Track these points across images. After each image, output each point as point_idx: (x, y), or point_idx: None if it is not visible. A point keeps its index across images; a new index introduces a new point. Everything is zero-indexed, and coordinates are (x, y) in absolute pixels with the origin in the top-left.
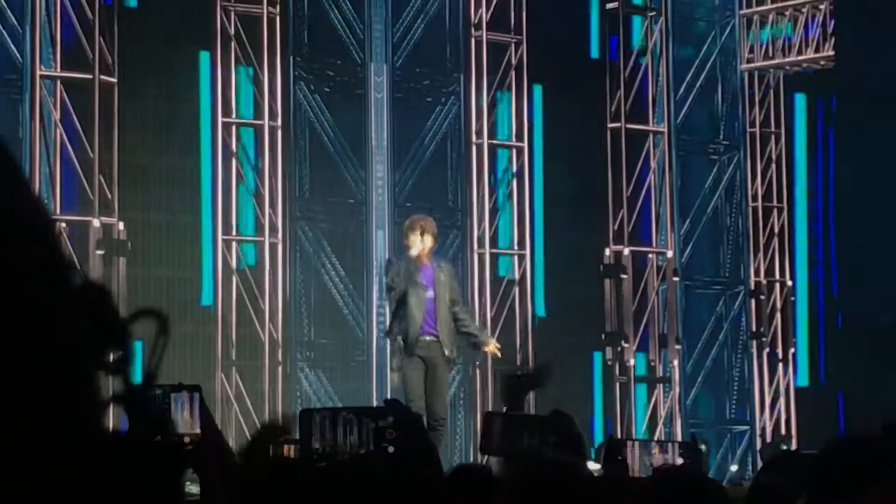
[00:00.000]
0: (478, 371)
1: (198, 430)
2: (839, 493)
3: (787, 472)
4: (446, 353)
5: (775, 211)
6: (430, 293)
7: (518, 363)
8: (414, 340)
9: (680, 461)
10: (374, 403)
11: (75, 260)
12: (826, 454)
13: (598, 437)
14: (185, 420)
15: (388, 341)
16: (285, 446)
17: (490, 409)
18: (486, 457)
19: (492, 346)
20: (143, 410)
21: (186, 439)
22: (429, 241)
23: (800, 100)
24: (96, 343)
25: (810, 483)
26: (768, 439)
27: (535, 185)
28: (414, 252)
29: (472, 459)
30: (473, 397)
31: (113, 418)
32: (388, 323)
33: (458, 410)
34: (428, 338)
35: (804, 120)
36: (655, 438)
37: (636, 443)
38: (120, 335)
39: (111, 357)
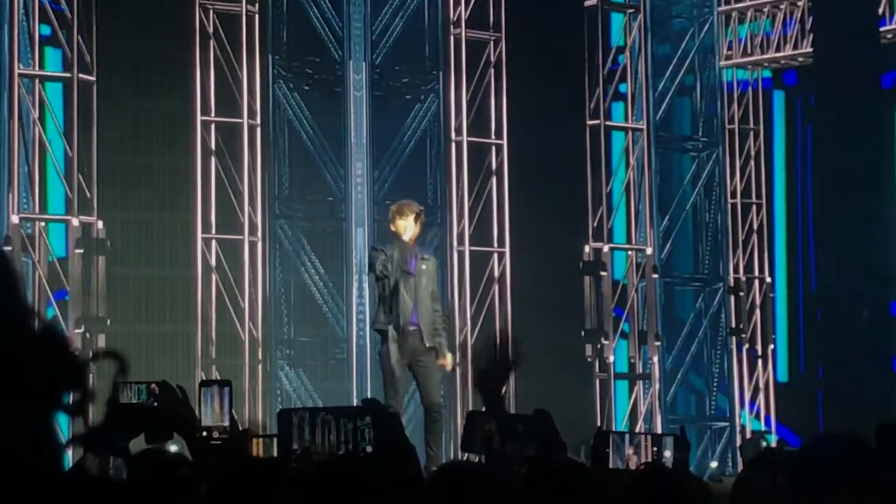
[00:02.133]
0: (458, 369)
1: (226, 423)
2: (821, 489)
3: (770, 468)
4: (427, 344)
5: (754, 207)
6: (415, 281)
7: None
8: (404, 330)
9: (668, 454)
10: (355, 401)
11: (35, 304)
12: (808, 450)
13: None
14: (215, 413)
15: (376, 331)
16: (259, 444)
17: (469, 404)
18: (467, 455)
19: (448, 361)
20: (104, 449)
21: (215, 433)
22: (418, 226)
23: (778, 96)
24: (55, 385)
25: (793, 479)
26: (748, 435)
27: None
28: (406, 237)
29: (453, 456)
30: (454, 395)
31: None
32: (375, 312)
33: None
34: (412, 327)
35: (783, 116)
36: (642, 431)
37: (623, 435)
38: (78, 376)
39: (71, 398)
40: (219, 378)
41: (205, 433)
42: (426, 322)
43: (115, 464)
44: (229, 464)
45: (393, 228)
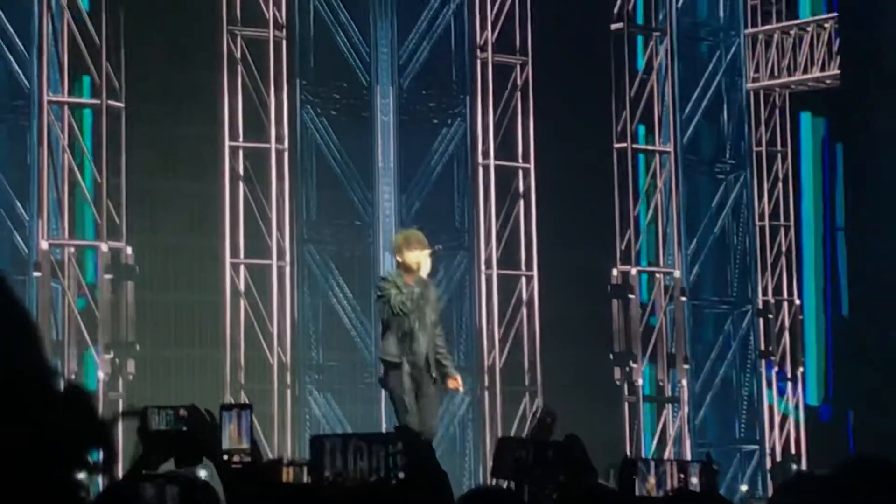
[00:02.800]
0: (486, 392)
1: (246, 446)
2: None
3: (802, 492)
4: (433, 374)
5: (782, 229)
6: (427, 316)
7: (525, 383)
8: (415, 363)
9: (695, 481)
10: (384, 425)
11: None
12: (839, 474)
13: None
14: (236, 437)
15: (386, 363)
16: (292, 471)
17: (498, 429)
18: (496, 480)
19: (453, 384)
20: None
21: (235, 457)
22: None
23: (805, 118)
24: (80, 444)
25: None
26: (778, 459)
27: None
28: (423, 273)
29: (481, 481)
30: (482, 418)
31: None
32: (385, 342)
33: (467, 431)
34: (422, 361)
35: (810, 138)
36: (669, 458)
37: (649, 462)
38: (101, 435)
39: (94, 457)
40: (243, 402)
41: (225, 457)
42: (431, 352)
43: (171, 492)
44: (260, 490)
45: (399, 259)
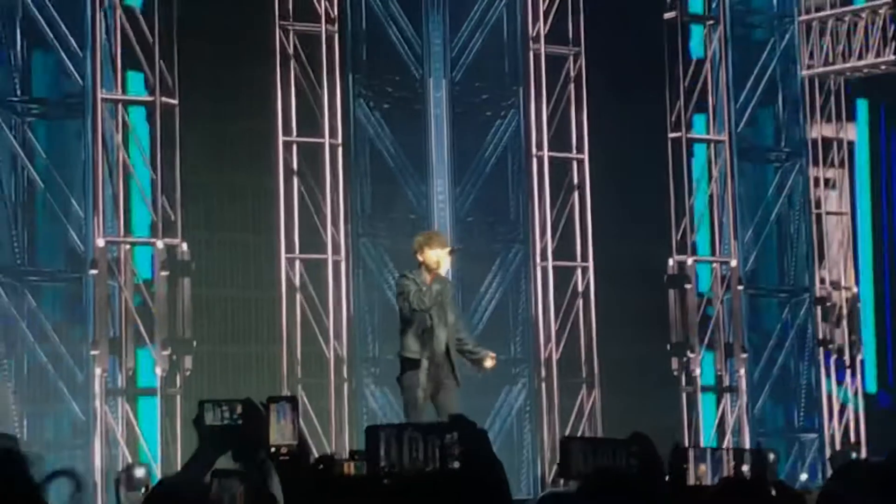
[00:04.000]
0: (543, 385)
1: (295, 442)
2: None
3: (855, 480)
4: (455, 372)
5: (839, 217)
6: (447, 312)
7: (583, 374)
8: (434, 360)
9: (746, 469)
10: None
11: None
12: (891, 462)
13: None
14: (283, 431)
15: (406, 359)
16: (349, 464)
17: (556, 421)
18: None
19: (490, 362)
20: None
21: (283, 450)
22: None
23: (861, 104)
24: None
25: (877, 490)
26: (837, 447)
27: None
28: (442, 271)
29: (539, 475)
30: (539, 411)
31: None
32: (404, 339)
33: (524, 424)
34: (442, 358)
35: (866, 124)
36: (721, 447)
37: (701, 451)
38: (34, 499)
39: None
40: (287, 394)
41: (273, 449)
42: (453, 350)
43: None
44: (314, 484)
45: (420, 258)
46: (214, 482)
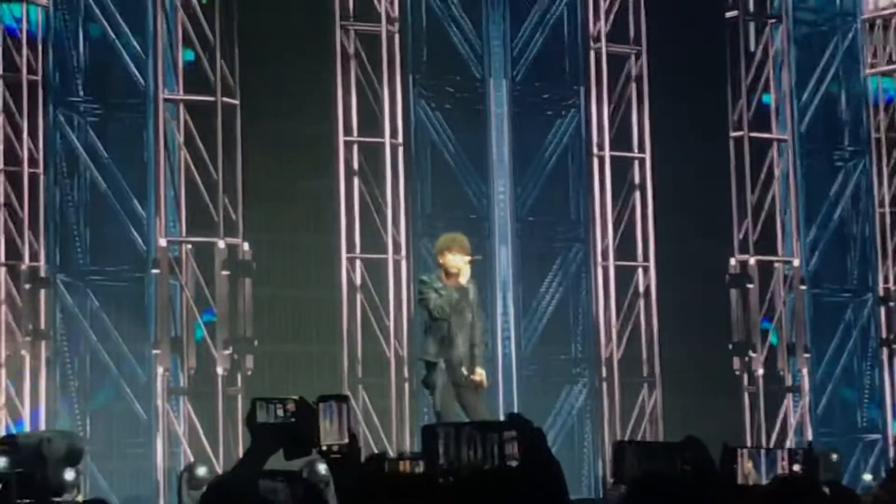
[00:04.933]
0: (604, 384)
1: (345, 440)
2: None
3: None
4: (467, 373)
5: None
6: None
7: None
8: (452, 364)
9: (797, 468)
10: (501, 415)
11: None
12: None
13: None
14: (333, 430)
15: (426, 363)
16: (407, 463)
17: (616, 421)
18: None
19: (479, 377)
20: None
21: (334, 448)
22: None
23: None
24: None
25: None
26: None
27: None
28: (463, 280)
29: (600, 473)
30: (600, 410)
31: None
32: (425, 343)
33: (585, 423)
34: (458, 361)
35: None
36: (770, 447)
37: (751, 451)
38: None
39: None
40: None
41: (324, 448)
42: (467, 353)
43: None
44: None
45: (441, 261)
46: (261, 483)
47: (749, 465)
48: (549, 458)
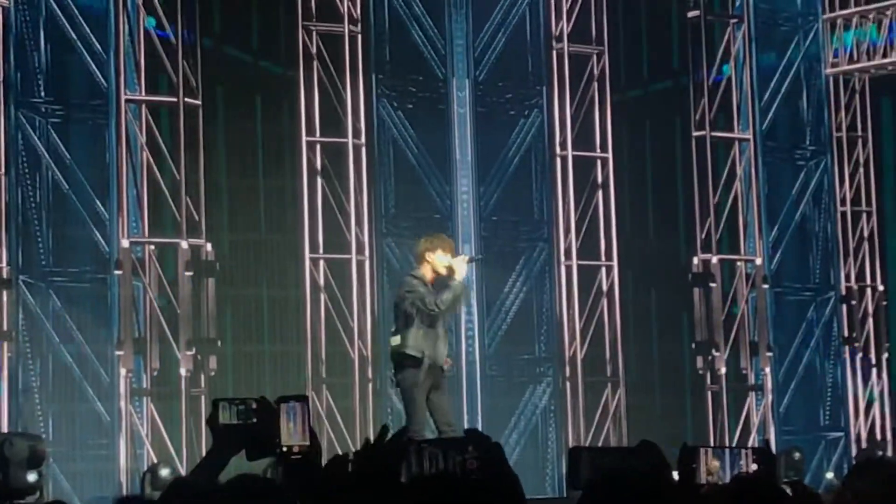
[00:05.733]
0: (568, 384)
1: (306, 441)
2: None
3: (874, 477)
4: (444, 368)
5: (864, 215)
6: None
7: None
8: (436, 361)
9: (754, 468)
10: (465, 417)
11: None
12: None
13: None
14: (293, 431)
15: (408, 356)
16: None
17: (580, 420)
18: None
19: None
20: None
21: (295, 449)
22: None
23: (886, 103)
24: None
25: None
26: (864, 446)
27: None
28: (460, 276)
29: (563, 472)
30: (564, 409)
31: None
32: (405, 336)
33: (549, 423)
34: (441, 359)
35: (891, 122)
36: (729, 445)
37: (709, 450)
38: None
39: None
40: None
41: (285, 449)
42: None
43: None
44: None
45: (429, 259)
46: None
47: (710, 464)
48: (508, 472)
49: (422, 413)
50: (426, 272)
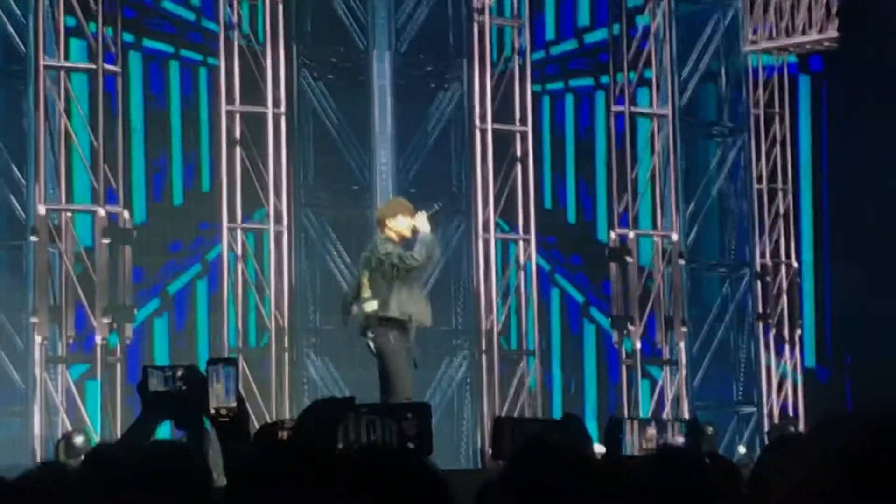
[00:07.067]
0: (484, 357)
1: (233, 404)
2: None
3: (790, 452)
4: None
5: (780, 192)
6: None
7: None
8: (420, 323)
9: (680, 440)
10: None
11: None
12: (815, 432)
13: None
14: (221, 393)
15: (393, 320)
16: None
17: (496, 392)
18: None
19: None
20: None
21: (223, 412)
22: None
23: (804, 81)
24: None
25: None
26: (776, 421)
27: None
28: (428, 234)
29: (479, 445)
30: (480, 382)
31: None
32: (386, 299)
33: (465, 395)
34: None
35: (808, 101)
36: (657, 417)
37: (636, 422)
38: None
39: None
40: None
41: (213, 412)
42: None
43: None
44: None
45: (391, 224)
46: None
47: (651, 431)
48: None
49: (405, 383)
50: (391, 237)
